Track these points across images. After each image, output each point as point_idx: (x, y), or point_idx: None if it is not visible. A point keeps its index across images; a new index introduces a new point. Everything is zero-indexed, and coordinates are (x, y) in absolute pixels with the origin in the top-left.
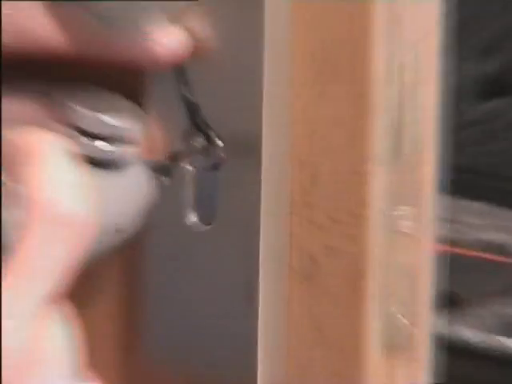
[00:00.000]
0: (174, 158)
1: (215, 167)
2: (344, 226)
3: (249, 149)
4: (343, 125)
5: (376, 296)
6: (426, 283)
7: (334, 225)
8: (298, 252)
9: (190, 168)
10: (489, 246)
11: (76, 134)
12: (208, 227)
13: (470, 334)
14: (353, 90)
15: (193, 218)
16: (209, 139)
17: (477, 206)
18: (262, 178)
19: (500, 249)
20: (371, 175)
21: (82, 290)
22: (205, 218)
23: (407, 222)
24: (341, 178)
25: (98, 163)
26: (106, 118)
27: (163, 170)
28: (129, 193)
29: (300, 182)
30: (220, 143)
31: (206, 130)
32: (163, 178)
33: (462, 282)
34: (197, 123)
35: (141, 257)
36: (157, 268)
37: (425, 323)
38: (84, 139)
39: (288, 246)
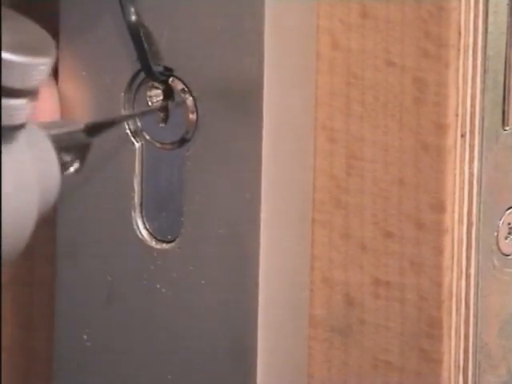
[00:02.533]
0: (106, 124)
1: (181, 144)
2: None
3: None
4: None
5: None
6: None
7: None
8: None
9: (136, 143)
10: None
11: None
12: (170, 246)
13: None
14: None
15: (143, 228)
16: (170, 93)
17: None
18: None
19: None
20: None
21: None
22: (163, 230)
23: None
24: None
25: None
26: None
27: (80, 142)
28: (20, 177)
29: None
30: (190, 100)
31: (164, 76)
32: (78, 159)
33: None
34: (149, 65)
35: None
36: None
37: None
38: None
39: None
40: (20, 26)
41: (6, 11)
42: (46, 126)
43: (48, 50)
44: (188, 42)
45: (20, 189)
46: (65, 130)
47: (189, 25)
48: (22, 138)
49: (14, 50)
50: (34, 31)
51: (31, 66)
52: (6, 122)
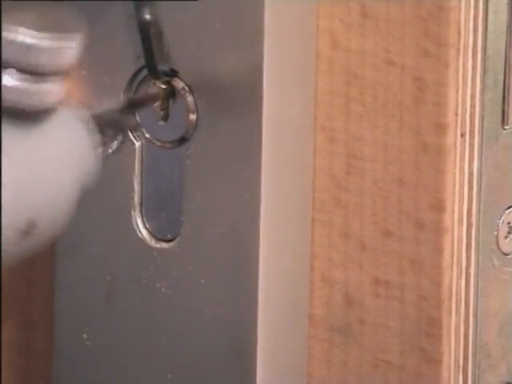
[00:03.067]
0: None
1: (180, 143)
2: None
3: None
4: None
5: None
6: None
7: None
8: None
9: (136, 142)
10: None
11: None
12: (170, 245)
13: None
14: None
15: (142, 227)
16: (171, 92)
17: None
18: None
19: None
20: None
21: None
22: (163, 229)
23: None
24: None
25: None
26: (22, 32)
27: (118, 120)
28: (52, 165)
29: None
30: (190, 99)
31: (168, 76)
32: (119, 135)
33: None
34: (153, 64)
35: None
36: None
37: None
38: None
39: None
40: (47, 9)
41: None
42: (84, 107)
43: (76, 31)
44: (188, 42)
45: (58, 169)
46: (102, 108)
47: (189, 25)
48: (56, 119)
49: (42, 31)
50: (62, 13)
51: (60, 48)
52: (37, 104)
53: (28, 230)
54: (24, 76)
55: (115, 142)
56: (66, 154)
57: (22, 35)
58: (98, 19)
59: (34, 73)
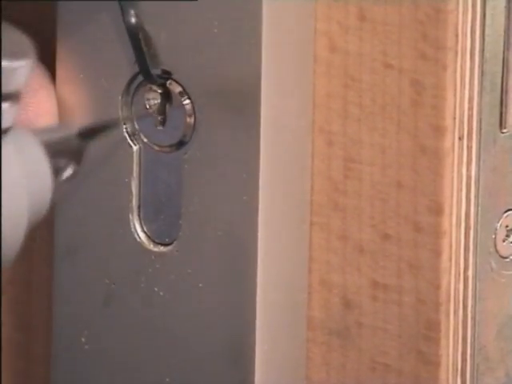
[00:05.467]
0: (100, 128)
1: (179, 146)
2: None
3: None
4: None
5: None
6: None
7: None
8: None
9: (134, 146)
10: None
11: None
12: (168, 249)
13: None
14: None
15: (140, 231)
16: (168, 96)
17: None
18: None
19: None
20: None
21: None
22: (161, 233)
23: None
24: None
25: None
26: None
27: (74, 148)
28: (7, 184)
29: None
30: (188, 102)
31: (163, 79)
32: (73, 164)
33: None
34: (147, 68)
35: None
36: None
37: None
38: None
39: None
40: None
41: None
42: (38, 132)
43: (26, 53)
44: (186, 45)
45: (7, 196)
46: (57, 135)
47: (187, 28)
48: (8, 143)
49: None
50: (11, 34)
51: (9, 70)
52: None
53: None
54: None
55: (69, 169)
56: (17, 177)
57: None
58: (96, 22)
59: None
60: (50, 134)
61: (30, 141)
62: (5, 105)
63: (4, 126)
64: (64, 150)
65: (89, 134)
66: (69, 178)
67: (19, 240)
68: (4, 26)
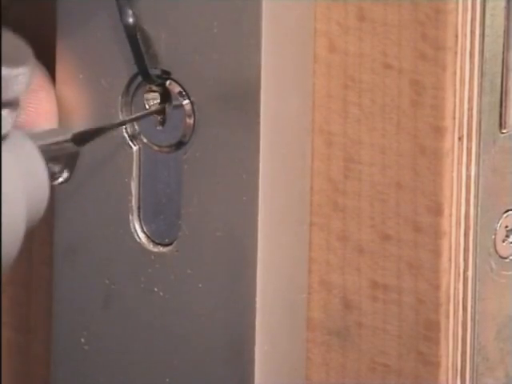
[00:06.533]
0: (95, 133)
1: (178, 147)
2: None
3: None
4: None
5: None
6: None
7: None
8: None
9: (133, 146)
10: None
11: None
12: (168, 249)
13: None
14: None
15: (140, 231)
16: (167, 96)
17: None
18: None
19: None
20: None
21: None
22: (160, 233)
23: None
24: None
25: None
26: None
27: (68, 152)
28: (6, 188)
29: None
30: (187, 103)
31: (162, 79)
32: (67, 169)
33: None
34: (146, 69)
35: None
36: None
37: None
38: None
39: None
40: None
41: None
42: (34, 137)
43: (25, 60)
44: (185, 46)
45: (5, 200)
46: (52, 140)
47: (186, 28)
48: (6, 146)
49: None
50: (10, 41)
51: (9, 78)
52: None
53: None
54: None
55: (63, 174)
56: (15, 181)
57: None
58: (95, 22)
59: None
60: (44, 139)
61: (27, 144)
62: (4, 111)
63: (3, 132)
64: (58, 155)
65: (83, 138)
66: (62, 183)
67: (17, 244)
68: (3, 31)
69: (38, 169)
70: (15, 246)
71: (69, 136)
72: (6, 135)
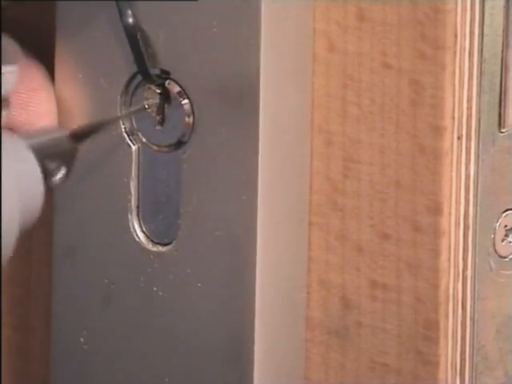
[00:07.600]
0: (92, 129)
1: (177, 146)
2: None
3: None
4: None
5: None
6: None
7: None
8: None
9: (132, 146)
10: None
11: None
12: (167, 248)
13: None
14: None
15: (139, 230)
16: (167, 96)
17: None
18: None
19: None
20: None
21: None
22: (160, 232)
23: None
24: None
25: None
26: None
27: (66, 149)
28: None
29: None
30: (186, 102)
31: (161, 78)
32: (64, 166)
33: None
34: (145, 68)
35: None
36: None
37: None
38: None
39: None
40: None
41: None
42: (29, 136)
43: (14, 58)
44: (184, 45)
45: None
46: (47, 137)
47: (185, 27)
48: None
49: None
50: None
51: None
52: None
53: None
54: None
55: (60, 172)
56: (7, 180)
57: None
58: (94, 22)
59: None
60: (40, 137)
61: (18, 145)
62: None
63: None
64: (55, 153)
65: (80, 135)
66: (60, 181)
67: (11, 245)
68: None
69: (31, 168)
70: (8, 248)
71: (66, 133)
72: None
